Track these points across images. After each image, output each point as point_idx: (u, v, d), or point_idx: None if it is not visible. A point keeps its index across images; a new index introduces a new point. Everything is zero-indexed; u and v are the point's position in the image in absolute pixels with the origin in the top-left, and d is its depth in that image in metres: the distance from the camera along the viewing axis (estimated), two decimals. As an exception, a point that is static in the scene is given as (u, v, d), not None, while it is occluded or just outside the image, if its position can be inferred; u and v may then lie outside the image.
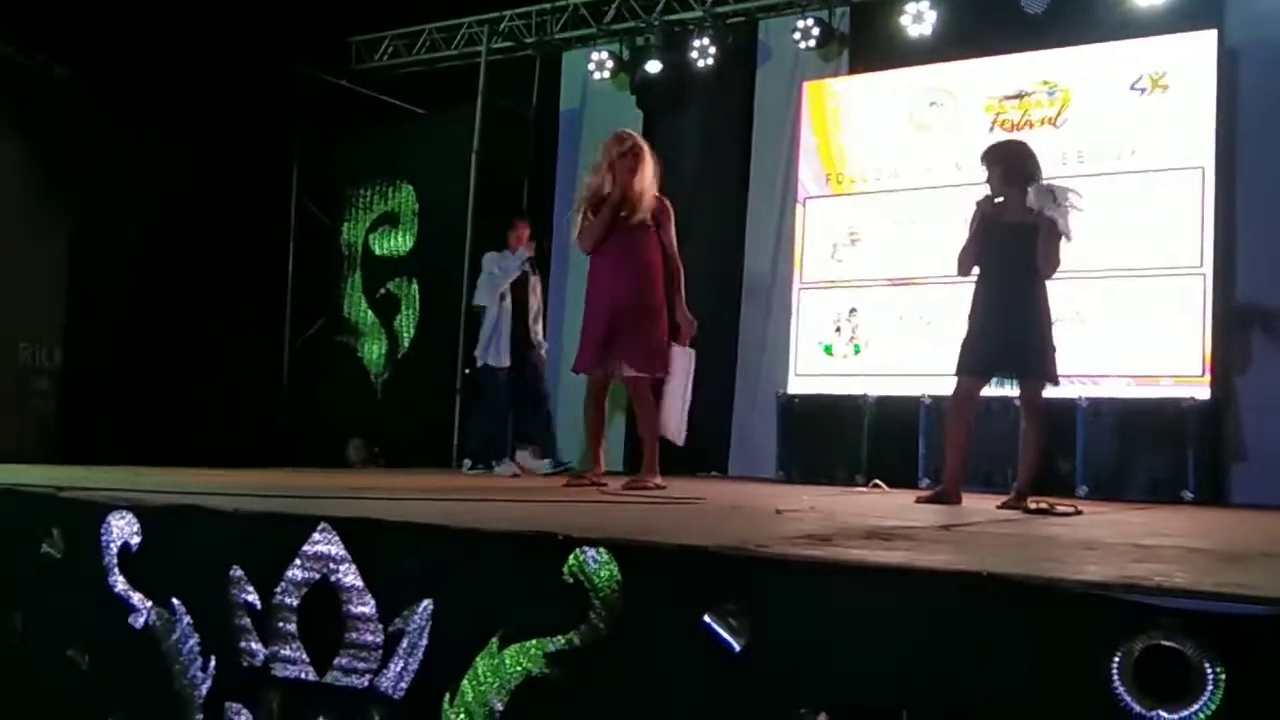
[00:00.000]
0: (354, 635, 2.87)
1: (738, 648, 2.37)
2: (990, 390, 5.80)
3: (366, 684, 2.84)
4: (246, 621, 3.04)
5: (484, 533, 2.96)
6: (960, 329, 5.75)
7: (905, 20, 8.77)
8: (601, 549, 2.57)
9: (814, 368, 8.70)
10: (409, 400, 10.84)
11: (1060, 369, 5.62)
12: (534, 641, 2.61)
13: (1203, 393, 7.34)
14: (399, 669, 2.80)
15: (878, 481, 7.56)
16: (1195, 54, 7.62)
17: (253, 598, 3.04)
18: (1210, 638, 1.97)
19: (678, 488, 6.12)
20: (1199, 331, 7.38)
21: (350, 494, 4.45)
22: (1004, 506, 5.30)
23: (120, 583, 3.27)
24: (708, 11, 9.70)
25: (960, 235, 5.75)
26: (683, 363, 6.20)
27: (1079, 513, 5.31)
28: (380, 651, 2.83)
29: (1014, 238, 5.53)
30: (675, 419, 6.25)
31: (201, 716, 3.08)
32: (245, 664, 3.03)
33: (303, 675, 2.95)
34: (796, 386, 8.71)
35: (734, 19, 9.76)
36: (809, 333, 8.75)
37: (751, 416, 9.22)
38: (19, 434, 8.60)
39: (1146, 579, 2.27)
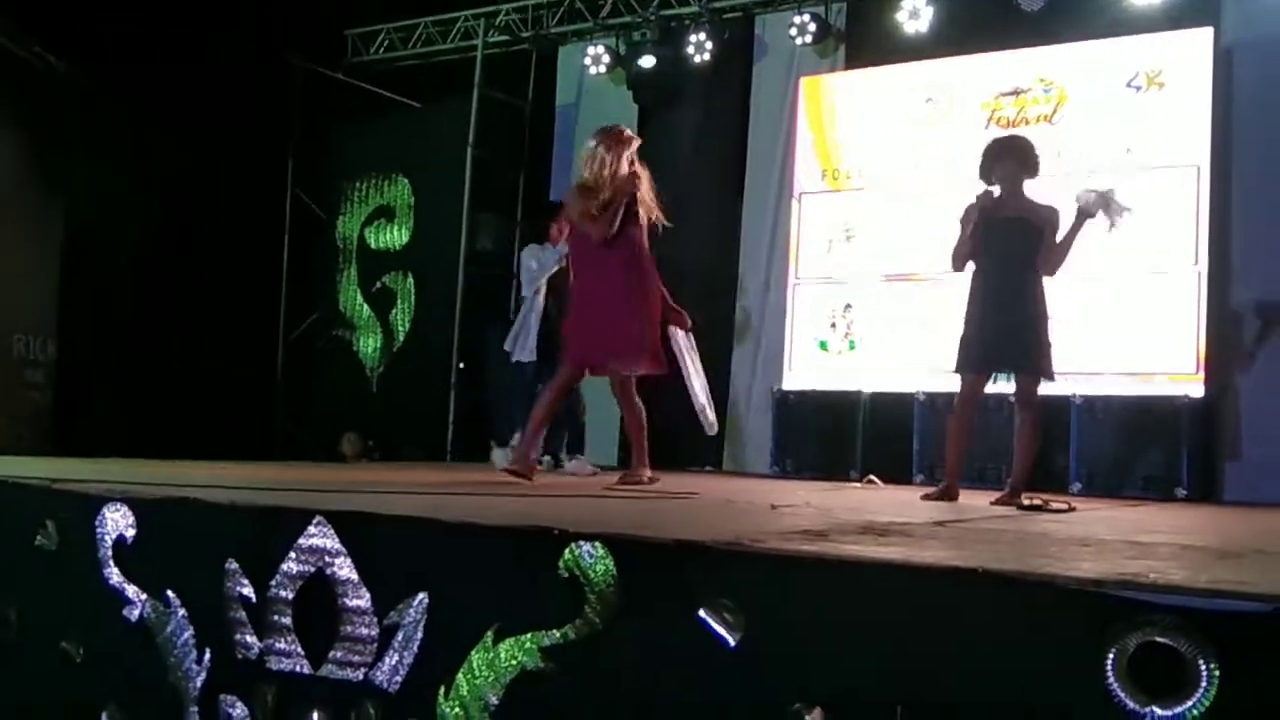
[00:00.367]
0: (349, 628, 2.87)
1: (733, 642, 2.38)
2: (988, 387, 5.81)
3: (361, 677, 2.84)
4: (241, 614, 3.04)
5: (480, 527, 2.96)
6: (955, 325, 5.74)
7: (902, 16, 8.77)
8: (597, 543, 2.58)
9: (809, 364, 8.70)
10: (405, 394, 10.83)
11: (1056, 365, 5.59)
12: (529, 635, 2.62)
13: (1197, 390, 7.35)
14: (394, 662, 2.81)
15: (872, 477, 7.58)
16: (1191, 52, 7.63)
17: (248, 591, 3.04)
18: (1204, 634, 1.98)
19: (673, 483, 6.12)
20: (1194, 329, 7.39)
21: (346, 488, 4.45)
22: (998, 503, 5.31)
23: (115, 575, 3.27)
24: (704, 6, 9.70)
25: (957, 230, 5.70)
26: (684, 347, 6.18)
27: (1073, 509, 5.32)
28: (375, 645, 2.84)
29: (1012, 233, 5.52)
30: (706, 406, 6.28)
31: (196, 709, 3.09)
32: (240, 656, 3.04)
33: (298, 668, 2.95)
34: (791, 382, 8.71)
35: (730, 14, 9.75)
36: (804, 329, 8.75)
37: (747, 412, 9.23)
38: (13, 426, 8.58)
39: (1141, 576, 2.27)
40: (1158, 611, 2.03)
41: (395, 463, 9.41)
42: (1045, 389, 5.69)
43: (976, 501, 5.46)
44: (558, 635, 2.58)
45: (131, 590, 3.23)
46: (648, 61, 9.77)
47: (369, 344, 11.22)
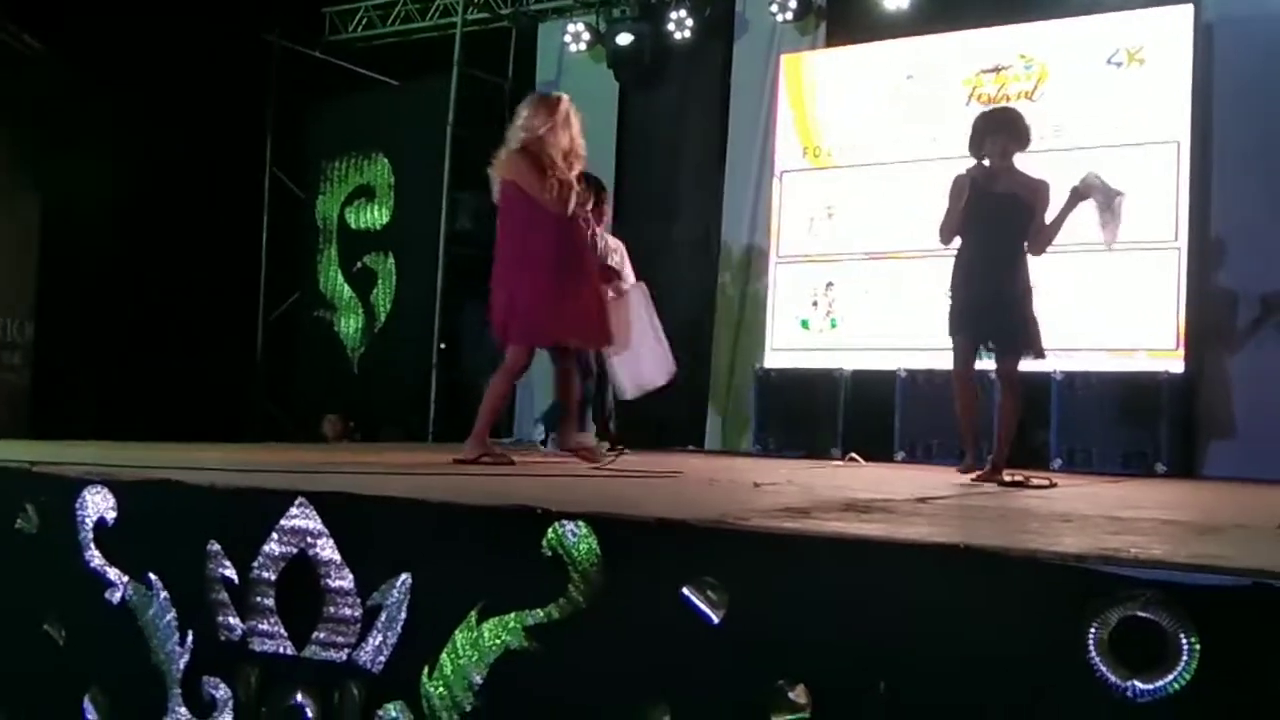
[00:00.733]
0: (332, 609, 2.87)
1: (716, 620, 2.38)
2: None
3: (345, 658, 2.84)
4: (224, 596, 3.03)
5: (462, 506, 2.96)
6: (936, 302, 5.74)
7: (882, -7, 8.77)
8: (580, 522, 2.58)
9: (791, 342, 8.71)
10: (386, 374, 10.81)
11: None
12: (513, 615, 2.61)
13: (1177, 366, 7.39)
14: (377, 643, 2.80)
15: (854, 455, 7.59)
16: (1171, 29, 7.64)
17: (230, 572, 3.03)
18: (1185, 609, 1.99)
19: (655, 461, 6.12)
20: (1174, 305, 7.42)
21: (327, 468, 4.44)
22: (979, 479, 5.31)
23: (96, 558, 3.25)
24: (685, -16, 9.66)
25: (938, 207, 5.65)
26: (639, 298, 6.11)
27: (1054, 485, 5.34)
28: (358, 625, 2.83)
29: (1002, 208, 5.46)
30: (662, 357, 6.23)
31: (179, 691, 3.08)
32: (223, 638, 3.03)
33: (281, 649, 2.94)
34: (773, 360, 8.72)
35: (711, -9, 9.72)
36: (785, 307, 8.75)
37: (729, 391, 9.24)
38: (-9, 408, 8.54)
39: (1122, 551, 2.29)
40: (1139, 586, 2.04)
41: (376, 443, 9.39)
42: (1027, 365, 5.69)
43: (958, 478, 5.47)
44: (541, 614, 2.58)
45: (113, 573, 3.22)
46: (625, 39, 9.73)
47: (350, 324, 11.19)
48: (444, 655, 2.68)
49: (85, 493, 3.30)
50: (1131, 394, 7.40)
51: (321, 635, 2.87)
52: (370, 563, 2.85)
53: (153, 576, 3.16)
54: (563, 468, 5.39)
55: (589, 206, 7.44)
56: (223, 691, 3.01)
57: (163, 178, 9.65)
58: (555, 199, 5.45)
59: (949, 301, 5.62)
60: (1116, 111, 7.68)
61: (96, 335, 9.27)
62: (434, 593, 2.75)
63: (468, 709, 2.65)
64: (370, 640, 2.81)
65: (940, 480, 5.47)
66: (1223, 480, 7.10)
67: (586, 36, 9.97)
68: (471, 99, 10.55)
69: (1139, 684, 2.00)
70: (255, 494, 3.18)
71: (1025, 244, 5.51)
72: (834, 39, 9.18)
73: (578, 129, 5.63)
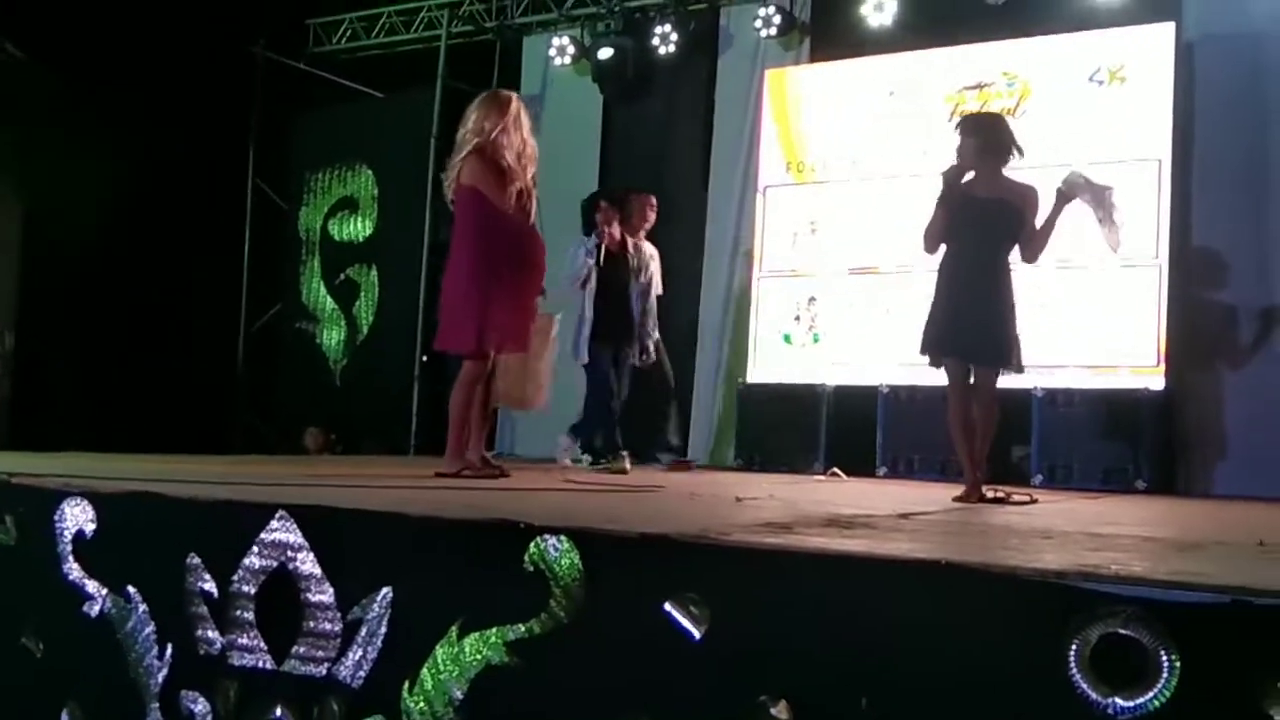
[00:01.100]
0: (312, 623, 2.85)
1: (698, 635, 2.38)
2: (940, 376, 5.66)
3: (325, 673, 2.83)
4: (203, 609, 3.02)
5: (444, 520, 2.96)
6: (919, 318, 5.61)
7: (866, 10, 8.81)
8: (562, 537, 2.57)
9: (773, 356, 8.71)
10: (368, 387, 10.78)
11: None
12: (494, 630, 2.61)
13: (1157, 383, 7.41)
14: (357, 657, 2.79)
15: (836, 470, 7.60)
16: (1153, 47, 7.68)
17: (210, 586, 3.02)
18: (1165, 625, 2.00)
19: (637, 476, 6.12)
20: (1154, 322, 7.44)
21: (309, 481, 4.43)
22: (960, 499, 5.23)
23: (75, 570, 3.23)
24: (669, -2, 9.70)
25: (921, 223, 5.53)
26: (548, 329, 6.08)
27: (1034, 501, 5.35)
28: (339, 640, 2.82)
29: (983, 214, 5.32)
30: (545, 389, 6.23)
31: (157, 705, 3.06)
32: (202, 652, 3.01)
33: (260, 664, 2.93)
34: (756, 375, 8.72)
35: (696, 5, 9.75)
36: (769, 321, 8.76)
37: (711, 405, 9.24)
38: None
39: (1103, 567, 2.29)
40: (1119, 603, 2.05)
41: (358, 456, 9.36)
42: (1008, 381, 5.59)
43: (939, 494, 5.47)
44: (523, 629, 2.57)
45: (92, 585, 3.20)
46: (606, 53, 9.74)
47: (332, 336, 11.16)
48: (425, 670, 2.68)
49: (64, 504, 3.28)
50: (1112, 410, 7.42)
51: (301, 649, 2.86)
52: (351, 577, 2.84)
53: (132, 589, 3.14)
54: (545, 481, 5.37)
55: (615, 224, 7.44)
56: (201, 706, 2.99)
57: (145, 188, 9.62)
58: (516, 205, 5.40)
59: (928, 315, 5.46)
60: (1098, 129, 7.71)
61: (77, 345, 9.22)
62: (415, 607, 2.74)
63: (448, 724, 2.64)
64: (350, 655, 2.80)
65: (922, 496, 5.47)
66: (1202, 497, 7.13)
67: (571, 50, 9.99)
68: (456, 112, 10.49)
69: (1120, 701, 2.01)
70: (236, 507, 3.17)
71: (1010, 253, 5.36)
72: (818, 54, 9.21)
73: (529, 128, 5.58)
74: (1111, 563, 2.42)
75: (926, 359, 5.51)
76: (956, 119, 5.77)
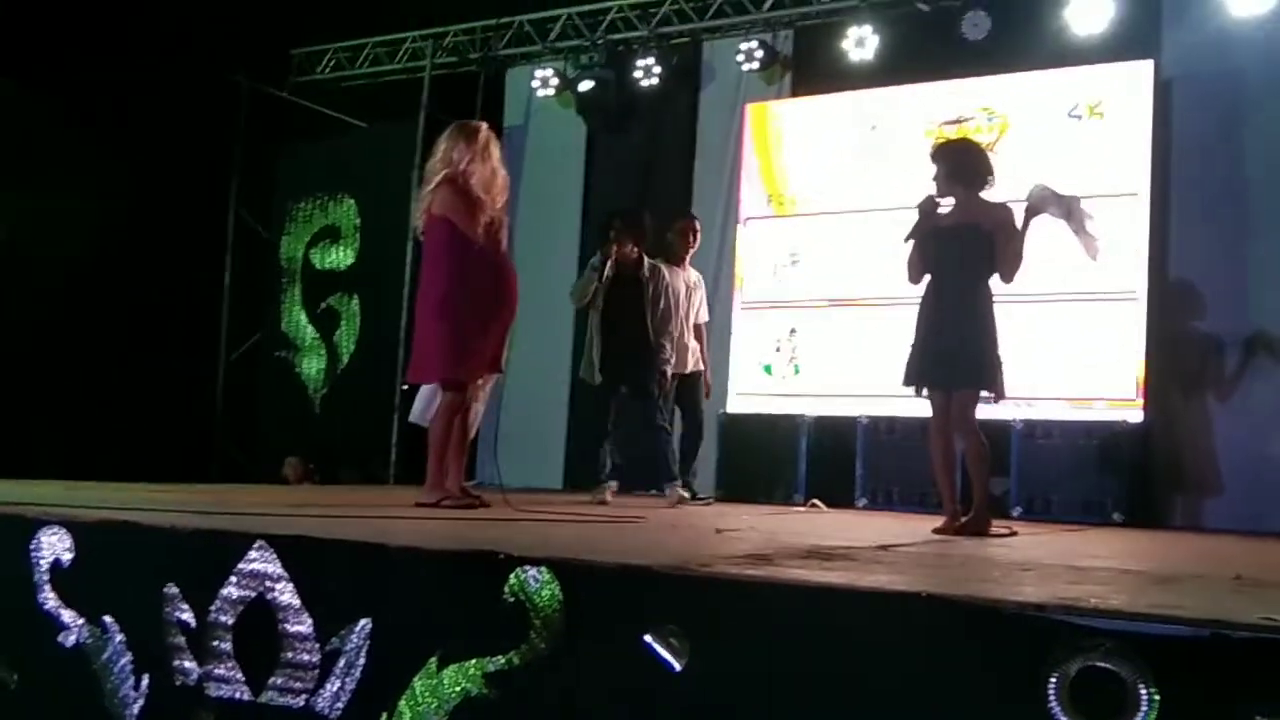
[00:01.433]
0: (290, 654, 2.84)
1: (678, 667, 2.37)
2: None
3: (302, 704, 2.81)
4: (181, 640, 3.00)
5: (424, 551, 2.94)
6: (899, 349, 5.62)
7: (848, 45, 8.87)
8: (543, 568, 2.57)
9: (754, 387, 8.73)
10: (348, 416, 10.74)
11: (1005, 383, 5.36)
12: (473, 661, 2.60)
13: (1136, 416, 7.45)
14: (336, 689, 2.78)
15: (816, 501, 7.60)
16: (1131, 83, 7.76)
17: (187, 616, 3.00)
18: (1144, 659, 2.00)
19: (618, 506, 6.11)
20: (1133, 355, 7.49)
21: (288, 511, 4.40)
22: (940, 530, 5.22)
23: (51, 600, 3.21)
24: (652, 32, 9.74)
25: (902, 251, 5.52)
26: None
27: (1014, 534, 5.36)
28: (317, 671, 2.80)
29: (957, 241, 5.33)
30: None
31: (133, 736, 3.03)
32: (179, 683, 2.99)
33: (237, 695, 2.91)
34: (736, 406, 8.73)
35: (678, 39, 9.81)
36: (749, 352, 8.78)
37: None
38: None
39: (1082, 600, 2.30)
40: (1099, 636, 2.05)
41: (337, 485, 9.32)
42: (988, 412, 5.56)
43: (919, 526, 5.47)
44: (502, 661, 2.56)
45: (68, 615, 3.18)
46: (585, 85, 9.78)
47: (312, 365, 11.13)
48: (403, 702, 2.66)
49: (41, 534, 3.26)
50: (1091, 443, 7.45)
51: (279, 680, 2.84)
52: (330, 607, 2.82)
53: (108, 619, 3.12)
54: (526, 511, 5.35)
55: (629, 244, 7.29)
56: (178, 737, 2.97)
57: (127, 216, 9.59)
58: (486, 236, 5.39)
59: (911, 346, 5.45)
60: (1077, 164, 7.77)
61: (56, 373, 9.17)
62: (394, 638, 2.73)
63: (426, 756, 2.63)
64: (329, 686, 2.78)
65: (902, 528, 5.48)
66: (1180, 530, 7.15)
67: (555, 81, 10.03)
68: (438, 142, 10.54)
69: (1098, 734, 2.01)
70: (214, 536, 3.16)
71: (990, 277, 5.32)
72: (799, 88, 9.27)
73: (498, 158, 5.55)
74: (1091, 595, 2.42)
75: (911, 390, 5.50)
76: (932, 148, 5.76)
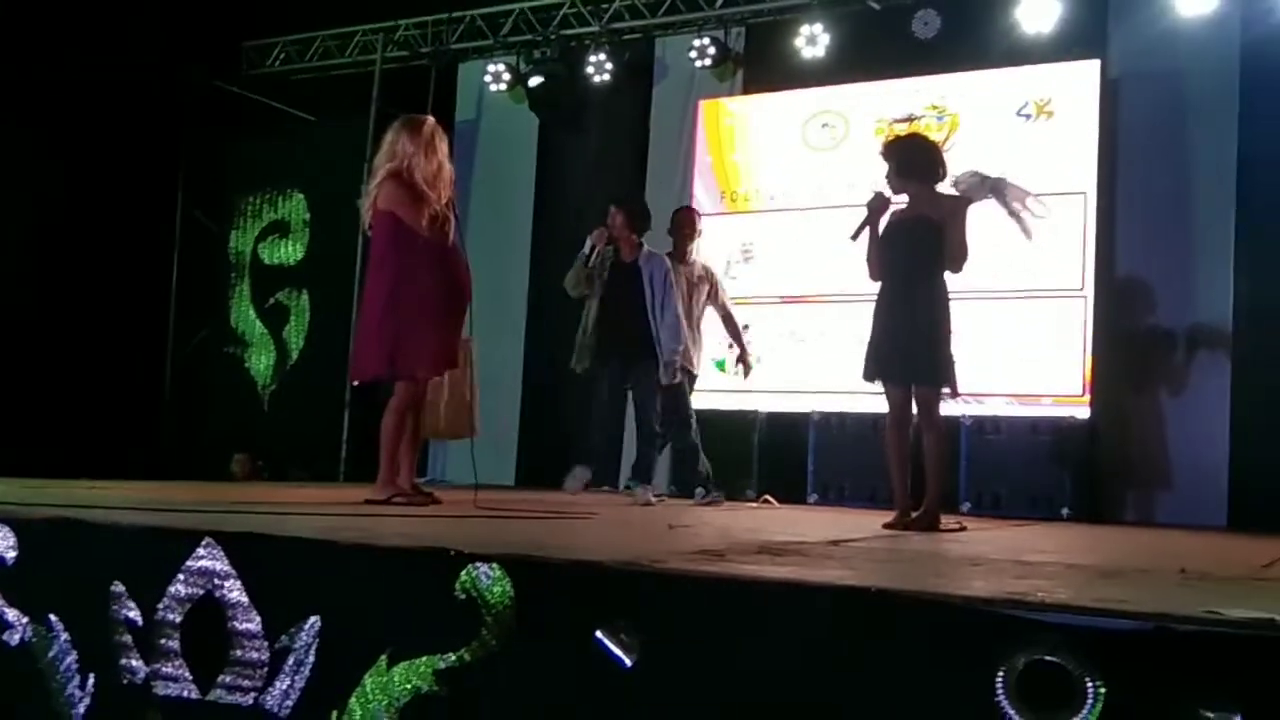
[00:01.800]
0: (239, 652, 2.81)
1: (629, 663, 2.37)
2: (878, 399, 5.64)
3: (251, 702, 2.78)
4: (127, 638, 2.96)
5: (374, 548, 2.92)
6: (851, 345, 5.68)
7: (799, 42, 8.91)
8: (494, 565, 2.56)
9: (706, 383, 8.71)
10: (297, 412, 10.66)
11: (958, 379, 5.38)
12: (424, 659, 2.58)
13: (1082, 412, 7.53)
14: (285, 687, 2.75)
15: (768, 496, 7.64)
16: (1079, 82, 7.85)
17: (134, 614, 2.96)
18: (1090, 652, 2.02)
19: (570, 503, 6.11)
20: (1080, 352, 7.57)
21: (236, 508, 4.37)
22: (890, 525, 5.26)
23: (-6, 598, 3.16)
24: (604, 27, 9.74)
25: (853, 252, 5.57)
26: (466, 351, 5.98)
27: (963, 529, 5.40)
28: (266, 669, 2.78)
29: (906, 235, 5.37)
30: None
31: (79, 736, 3.00)
32: (125, 682, 2.96)
33: (185, 693, 2.88)
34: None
35: (630, 35, 9.81)
36: (702, 348, 8.77)
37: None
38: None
39: (1029, 595, 2.32)
40: (1045, 630, 2.07)
41: (286, 482, 9.25)
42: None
43: (870, 521, 5.51)
44: (453, 658, 2.55)
45: (11, 614, 3.13)
46: (535, 80, 9.76)
47: (261, 361, 11.04)
48: (353, 700, 2.64)
49: (-16, 531, 3.21)
50: (1038, 439, 7.54)
51: (228, 678, 2.82)
52: (279, 605, 2.80)
53: (53, 618, 3.08)
54: (479, 508, 5.34)
55: (620, 228, 7.23)
56: (124, 737, 2.94)
57: (73, 210, 9.48)
58: (432, 229, 5.35)
59: (868, 340, 5.46)
60: (1026, 162, 7.81)
61: (0, 368, 9.05)
62: (344, 635, 2.71)
63: (377, 754, 2.62)
64: (278, 684, 2.76)
65: (853, 523, 5.51)
66: (1126, 524, 7.24)
67: (507, 76, 10.01)
68: (389, 136, 10.47)
69: (1046, 727, 2.03)
70: (161, 534, 3.12)
71: (940, 269, 5.34)
72: (751, 85, 9.30)
73: (444, 152, 5.49)
74: (1038, 590, 2.45)
75: (870, 384, 5.52)
76: (882, 145, 5.80)
